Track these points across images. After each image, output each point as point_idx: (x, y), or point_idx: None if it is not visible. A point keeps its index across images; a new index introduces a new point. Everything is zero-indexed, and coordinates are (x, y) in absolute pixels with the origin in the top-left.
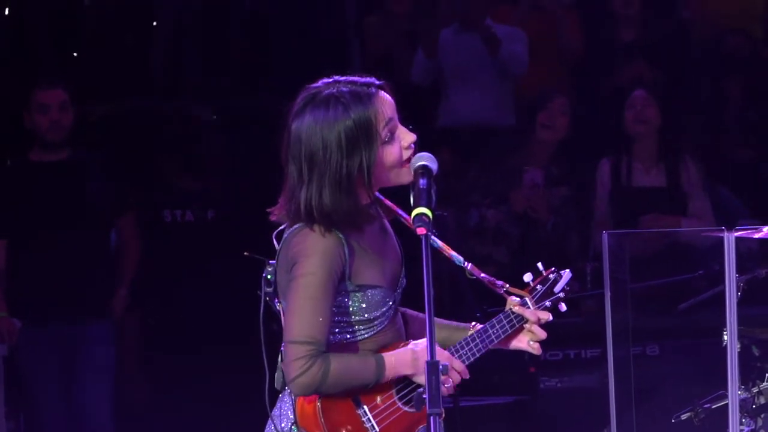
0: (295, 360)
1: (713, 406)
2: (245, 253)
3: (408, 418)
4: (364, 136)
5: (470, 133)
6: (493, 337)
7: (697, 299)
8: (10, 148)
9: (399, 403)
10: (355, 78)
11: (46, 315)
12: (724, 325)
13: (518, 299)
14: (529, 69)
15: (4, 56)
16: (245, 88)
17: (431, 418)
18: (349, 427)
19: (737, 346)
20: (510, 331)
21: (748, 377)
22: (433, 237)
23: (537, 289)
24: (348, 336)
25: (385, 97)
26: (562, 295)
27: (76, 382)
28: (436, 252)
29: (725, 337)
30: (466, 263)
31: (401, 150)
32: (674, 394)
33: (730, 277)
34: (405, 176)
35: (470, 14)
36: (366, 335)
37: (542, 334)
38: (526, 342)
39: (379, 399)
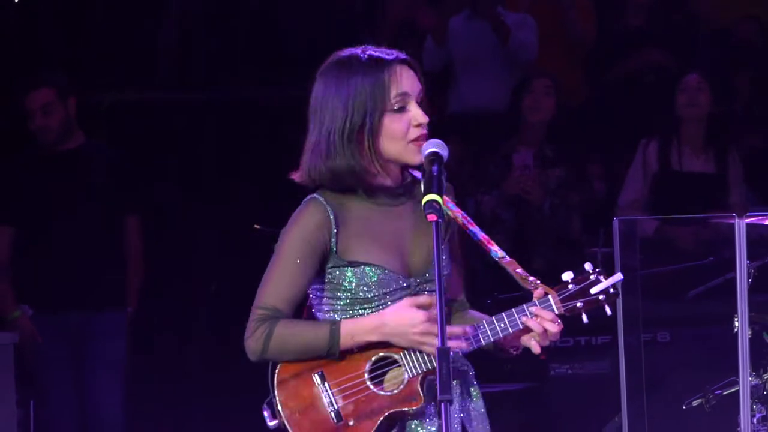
0: (248, 324)
1: (724, 393)
2: (255, 227)
3: (378, 400)
4: (371, 97)
5: (477, 120)
6: (498, 330)
7: (708, 286)
8: (23, 136)
9: (369, 383)
10: (384, 48)
11: (56, 303)
12: (735, 312)
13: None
14: (541, 55)
15: (15, 45)
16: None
17: (443, 404)
18: (302, 399)
19: (748, 333)
20: (520, 327)
21: (759, 364)
22: (473, 228)
23: (568, 289)
24: (348, 315)
25: (408, 71)
26: (601, 297)
27: (86, 372)
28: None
29: (736, 324)
30: (504, 257)
31: (409, 126)
32: (685, 381)
33: (741, 263)
34: (411, 155)
35: (481, 1)
36: (373, 312)
37: (547, 338)
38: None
39: (346, 376)
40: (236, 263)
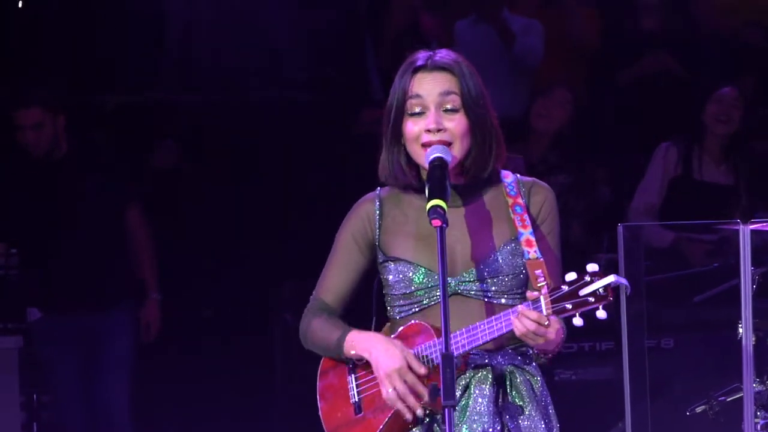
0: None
1: (728, 399)
2: None
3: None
4: (395, 102)
5: None
6: (494, 329)
7: (712, 292)
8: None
9: None
10: (437, 51)
11: (64, 305)
12: (739, 318)
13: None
14: (544, 59)
15: (17, 48)
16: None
17: (445, 410)
18: (334, 390)
19: (752, 339)
20: (512, 327)
21: (763, 370)
22: (521, 230)
23: (561, 290)
24: (397, 311)
25: (431, 74)
26: (590, 299)
27: (94, 370)
28: None
29: (740, 330)
30: (535, 258)
31: (420, 130)
32: (689, 387)
33: (745, 269)
34: (422, 159)
35: (487, 5)
36: (415, 310)
37: (535, 339)
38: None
39: (368, 370)
40: (238, 265)
